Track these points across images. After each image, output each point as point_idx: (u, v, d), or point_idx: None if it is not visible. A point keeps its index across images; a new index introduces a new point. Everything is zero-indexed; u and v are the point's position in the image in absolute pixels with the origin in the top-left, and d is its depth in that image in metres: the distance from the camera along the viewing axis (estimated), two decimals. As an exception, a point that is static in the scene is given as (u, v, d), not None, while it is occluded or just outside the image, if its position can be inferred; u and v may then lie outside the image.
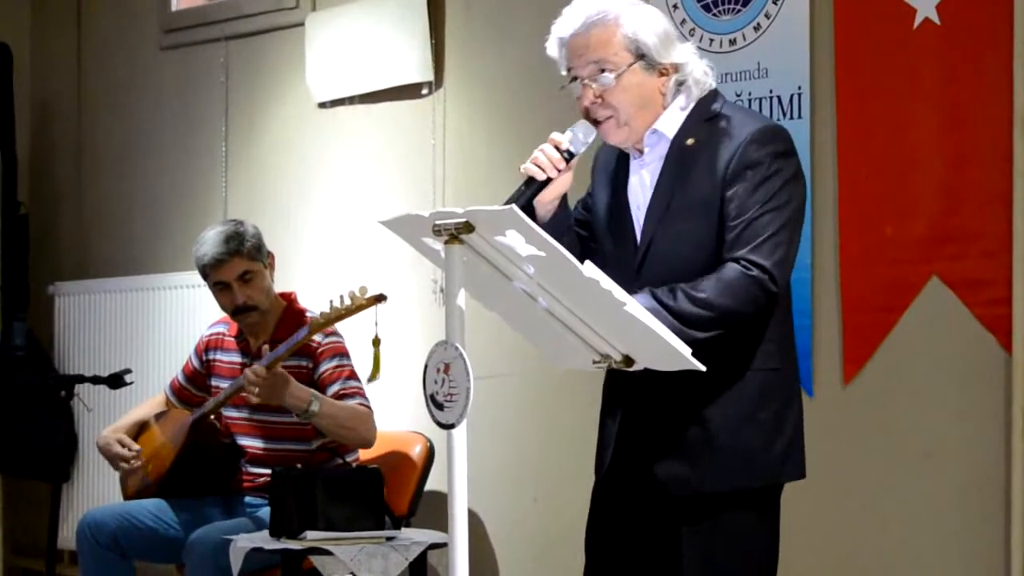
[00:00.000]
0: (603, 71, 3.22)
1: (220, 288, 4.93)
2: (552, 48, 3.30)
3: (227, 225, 4.97)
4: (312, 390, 4.70)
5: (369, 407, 4.82)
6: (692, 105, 3.28)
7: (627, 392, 3.26)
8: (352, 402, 4.79)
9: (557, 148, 3.23)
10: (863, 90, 4.40)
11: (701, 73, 3.29)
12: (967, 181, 4.22)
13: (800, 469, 3.31)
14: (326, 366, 4.84)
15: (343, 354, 4.87)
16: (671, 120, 3.28)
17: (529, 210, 3.24)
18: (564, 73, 3.29)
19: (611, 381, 3.35)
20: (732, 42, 4.64)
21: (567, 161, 3.23)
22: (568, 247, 3.11)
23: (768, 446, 3.22)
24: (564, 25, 3.27)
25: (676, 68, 3.27)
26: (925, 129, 4.28)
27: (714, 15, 4.69)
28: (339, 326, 4.70)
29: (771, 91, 4.54)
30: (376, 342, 4.58)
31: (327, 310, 4.55)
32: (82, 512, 5.06)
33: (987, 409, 4.17)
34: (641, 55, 3.23)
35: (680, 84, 3.28)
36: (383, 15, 5.54)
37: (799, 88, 4.50)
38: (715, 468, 3.20)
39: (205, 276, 4.95)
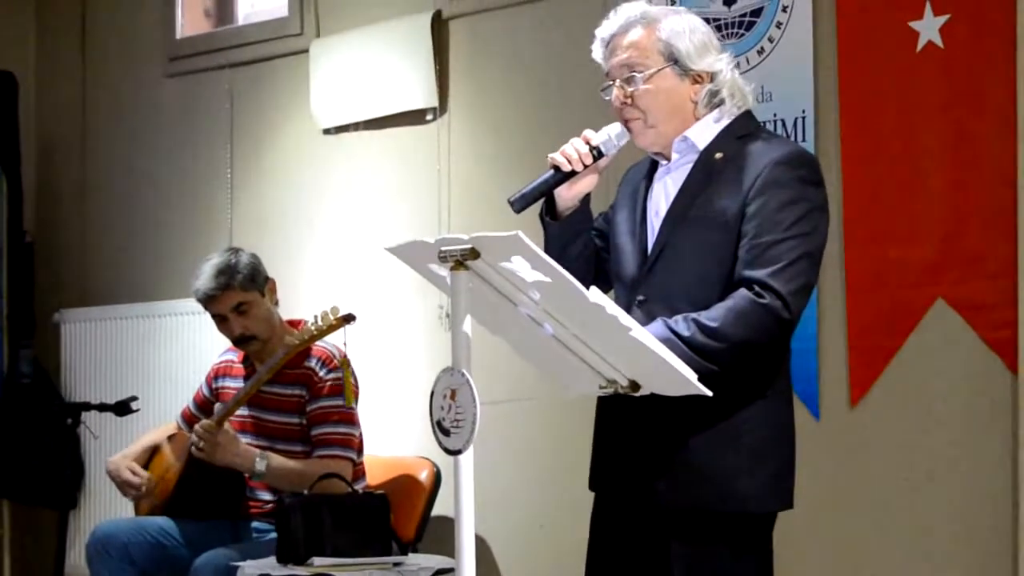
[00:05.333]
0: (634, 72, 3.24)
1: (219, 320, 4.96)
2: (595, 51, 3.32)
3: (221, 256, 4.95)
4: (258, 451, 4.73)
5: (346, 457, 4.80)
6: (727, 121, 3.27)
7: (621, 412, 3.23)
8: (326, 451, 4.77)
9: (588, 144, 3.25)
10: (867, 113, 4.40)
11: (738, 88, 3.29)
12: (972, 204, 4.22)
13: (786, 499, 3.23)
14: (319, 404, 4.83)
15: (341, 394, 4.84)
16: (703, 131, 3.26)
17: (550, 201, 3.30)
18: (605, 75, 3.31)
19: (605, 401, 3.31)
20: (736, 66, 4.63)
21: (595, 159, 3.25)
22: (583, 250, 3.19)
23: (749, 472, 3.15)
24: (606, 26, 3.30)
25: (710, 77, 3.27)
26: (929, 152, 4.29)
27: (718, 39, 4.69)
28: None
29: (775, 115, 4.55)
30: (345, 363, 4.58)
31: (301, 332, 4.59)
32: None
33: (994, 431, 4.17)
34: (674, 59, 3.24)
35: (714, 95, 3.26)
36: (388, 41, 5.56)
37: (803, 112, 4.51)
38: (689, 488, 3.15)
39: (205, 308, 4.99)
